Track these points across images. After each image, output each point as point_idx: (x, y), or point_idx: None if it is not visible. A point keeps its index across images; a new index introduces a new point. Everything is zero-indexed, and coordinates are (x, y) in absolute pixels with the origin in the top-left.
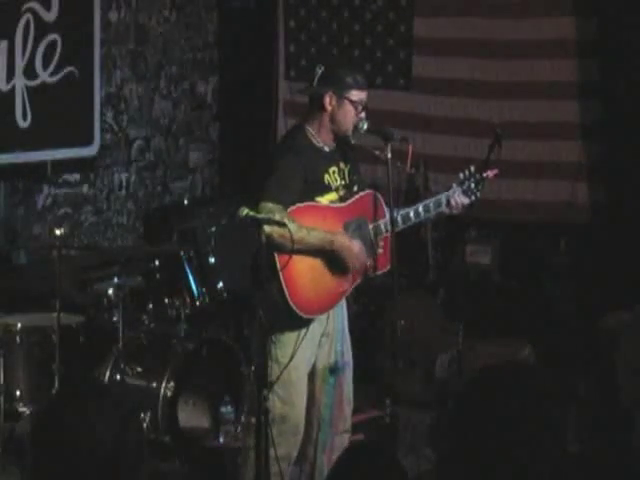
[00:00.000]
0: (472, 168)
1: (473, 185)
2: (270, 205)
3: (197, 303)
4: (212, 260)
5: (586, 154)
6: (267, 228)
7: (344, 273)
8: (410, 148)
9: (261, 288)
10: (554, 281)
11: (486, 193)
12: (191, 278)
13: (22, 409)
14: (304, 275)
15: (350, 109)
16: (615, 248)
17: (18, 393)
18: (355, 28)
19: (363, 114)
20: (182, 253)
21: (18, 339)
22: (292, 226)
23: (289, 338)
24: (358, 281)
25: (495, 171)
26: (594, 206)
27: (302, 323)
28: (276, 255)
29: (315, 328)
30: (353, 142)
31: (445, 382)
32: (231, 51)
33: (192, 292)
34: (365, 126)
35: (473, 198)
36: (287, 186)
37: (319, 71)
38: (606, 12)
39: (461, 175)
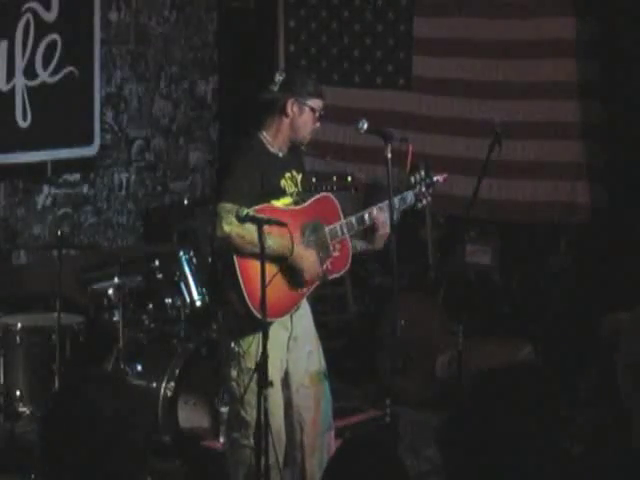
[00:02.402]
0: (422, 173)
1: (424, 189)
2: (229, 206)
3: (197, 303)
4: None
5: (586, 154)
6: (226, 228)
7: (300, 279)
8: (410, 148)
9: (221, 299)
10: (554, 281)
11: (486, 193)
12: (191, 278)
13: (22, 409)
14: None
15: (310, 117)
16: (615, 248)
17: (18, 393)
18: (355, 28)
19: (318, 123)
20: (182, 253)
21: (18, 339)
22: (252, 227)
23: (248, 342)
24: (316, 284)
25: (445, 176)
26: (594, 206)
27: (261, 327)
28: (235, 260)
29: (281, 334)
30: (304, 149)
31: (445, 382)
32: (231, 51)
33: (192, 292)
34: (365, 126)
35: (424, 202)
36: (244, 187)
37: (280, 78)
38: (606, 12)
39: (412, 179)
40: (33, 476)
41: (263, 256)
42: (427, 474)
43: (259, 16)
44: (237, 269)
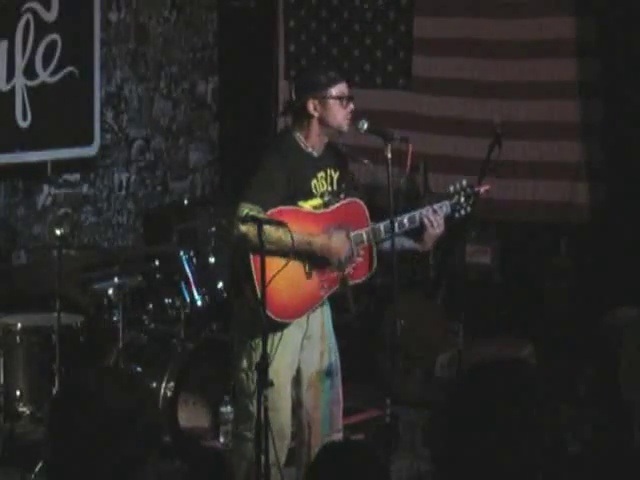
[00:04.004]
0: (463, 182)
1: (463, 199)
2: (249, 206)
3: (197, 303)
4: (212, 260)
5: (586, 154)
6: (243, 227)
7: (321, 278)
8: (410, 148)
9: (238, 291)
10: (554, 281)
11: (486, 193)
12: (191, 278)
13: (22, 409)
14: (279, 279)
15: (336, 106)
16: (615, 248)
17: (18, 393)
18: (355, 28)
19: (351, 105)
20: (182, 253)
21: (18, 339)
22: (269, 227)
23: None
24: (335, 288)
25: (487, 186)
26: (594, 206)
27: (277, 327)
28: (251, 258)
29: (295, 332)
30: (342, 149)
31: (445, 382)
32: (231, 51)
33: (192, 292)
34: (365, 126)
35: (462, 212)
36: (269, 188)
37: (292, 84)
38: (606, 12)
39: (451, 188)
40: (33, 476)
41: (263, 256)
42: (427, 474)
43: (259, 16)
44: (252, 269)
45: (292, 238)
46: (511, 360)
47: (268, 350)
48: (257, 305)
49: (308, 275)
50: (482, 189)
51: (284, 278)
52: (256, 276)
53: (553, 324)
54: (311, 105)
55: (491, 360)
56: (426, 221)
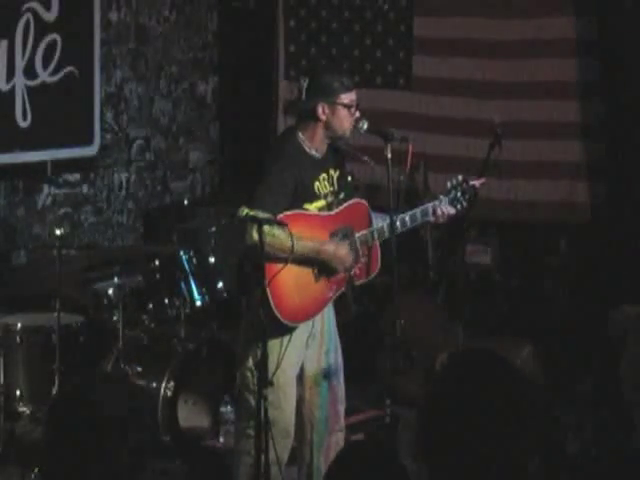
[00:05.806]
0: (459, 177)
1: (460, 194)
2: (258, 212)
3: (197, 303)
4: (212, 260)
5: (586, 154)
6: (255, 235)
7: (329, 280)
8: (410, 148)
9: (247, 293)
10: (554, 281)
11: (486, 193)
12: (191, 278)
13: (22, 409)
14: (288, 282)
15: (344, 113)
16: (615, 248)
17: (18, 393)
18: (355, 28)
19: (357, 113)
20: (182, 253)
21: (18, 339)
22: (281, 235)
23: (274, 344)
24: (342, 289)
25: (482, 180)
26: (594, 206)
27: (286, 330)
28: (265, 266)
29: (301, 331)
30: (343, 148)
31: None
32: (231, 51)
33: (192, 292)
34: (365, 126)
35: (459, 207)
36: (277, 194)
37: (304, 84)
38: (606, 12)
39: (448, 184)
40: (33, 476)
41: (263, 255)
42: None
43: (259, 16)
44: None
45: (293, 245)
46: (485, 351)
47: (277, 353)
48: (268, 310)
49: (317, 278)
50: (477, 183)
51: (294, 282)
52: (270, 286)
53: (553, 324)
54: (320, 109)
55: (463, 353)
56: (439, 212)
